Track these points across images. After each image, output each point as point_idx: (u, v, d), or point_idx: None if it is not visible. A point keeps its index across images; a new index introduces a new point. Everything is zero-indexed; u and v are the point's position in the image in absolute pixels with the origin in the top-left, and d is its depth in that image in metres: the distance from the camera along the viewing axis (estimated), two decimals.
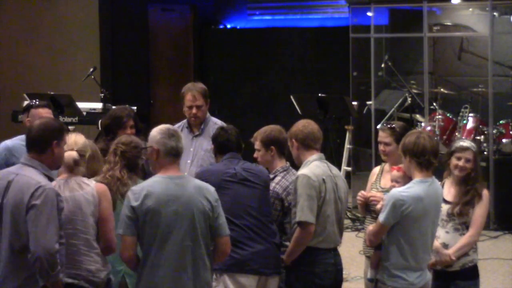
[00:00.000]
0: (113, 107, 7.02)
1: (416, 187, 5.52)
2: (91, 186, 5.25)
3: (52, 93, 9.78)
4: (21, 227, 4.91)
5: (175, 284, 4.99)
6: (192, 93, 7.24)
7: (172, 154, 5.12)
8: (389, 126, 6.39)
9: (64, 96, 9.72)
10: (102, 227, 5.23)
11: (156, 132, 5.17)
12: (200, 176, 5.95)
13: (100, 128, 7.08)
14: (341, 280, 6.03)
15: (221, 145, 6.09)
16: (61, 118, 9.73)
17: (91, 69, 10.04)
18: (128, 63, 13.25)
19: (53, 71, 12.96)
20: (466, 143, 6.11)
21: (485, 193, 6.05)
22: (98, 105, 10.14)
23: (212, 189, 5.16)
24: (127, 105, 7.03)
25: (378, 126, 6.74)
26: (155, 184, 5.05)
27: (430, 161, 5.56)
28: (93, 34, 12.95)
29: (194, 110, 7.24)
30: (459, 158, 6.01)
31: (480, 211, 5.99)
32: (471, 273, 6.02)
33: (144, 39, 13.53)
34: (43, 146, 5.07)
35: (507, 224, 10.66)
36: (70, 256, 5.12)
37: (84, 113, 10.04)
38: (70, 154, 5.27)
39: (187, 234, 5.00)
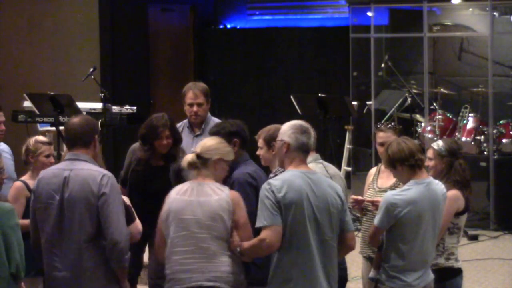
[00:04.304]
0: (153, 115, 6.77)
1: (412, 190, 5.51)
2: (226, 193, 5.26)
3: (52, 93, 9.75)
4: (94, 217, 5.04)
5: (310, 278, 5.02)
6: (194, 91, 7.27)
7: (303, 150, 5.20)
8: (389, 125, 6.39)
9: (64, 96, 9.68)
10: (241, 234, 5.22)
11: (288, 126, 5.26)
12: None
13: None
14: (345, 280, 6.04)
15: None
16: (61, 118, 9.72)
17: (91, 69, 9.99)
18: (128, 63, 13.23)
19: (53, 71, 12.95)
20: (435, 143, 6.06)
21: (449, 194, 5.82)
22: (98, 105, 10.10)
23: (339, 186, 5.32)
24: (164, 114, 6.80)
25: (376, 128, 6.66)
26: (294, 177, 5.10)
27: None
28: (93, 34, 12.94)
29: (195, 108, 7.25)
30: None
31: None
32: (435, 276, 5.77)
33: (144, 39, 13.51)
34: (88, 140, 5.21)
35: (507, 224, 10.64)
36: (206, 260, 5.16)
37: (84, 113, 10.00)
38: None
39: (327, 228, 5.10)
